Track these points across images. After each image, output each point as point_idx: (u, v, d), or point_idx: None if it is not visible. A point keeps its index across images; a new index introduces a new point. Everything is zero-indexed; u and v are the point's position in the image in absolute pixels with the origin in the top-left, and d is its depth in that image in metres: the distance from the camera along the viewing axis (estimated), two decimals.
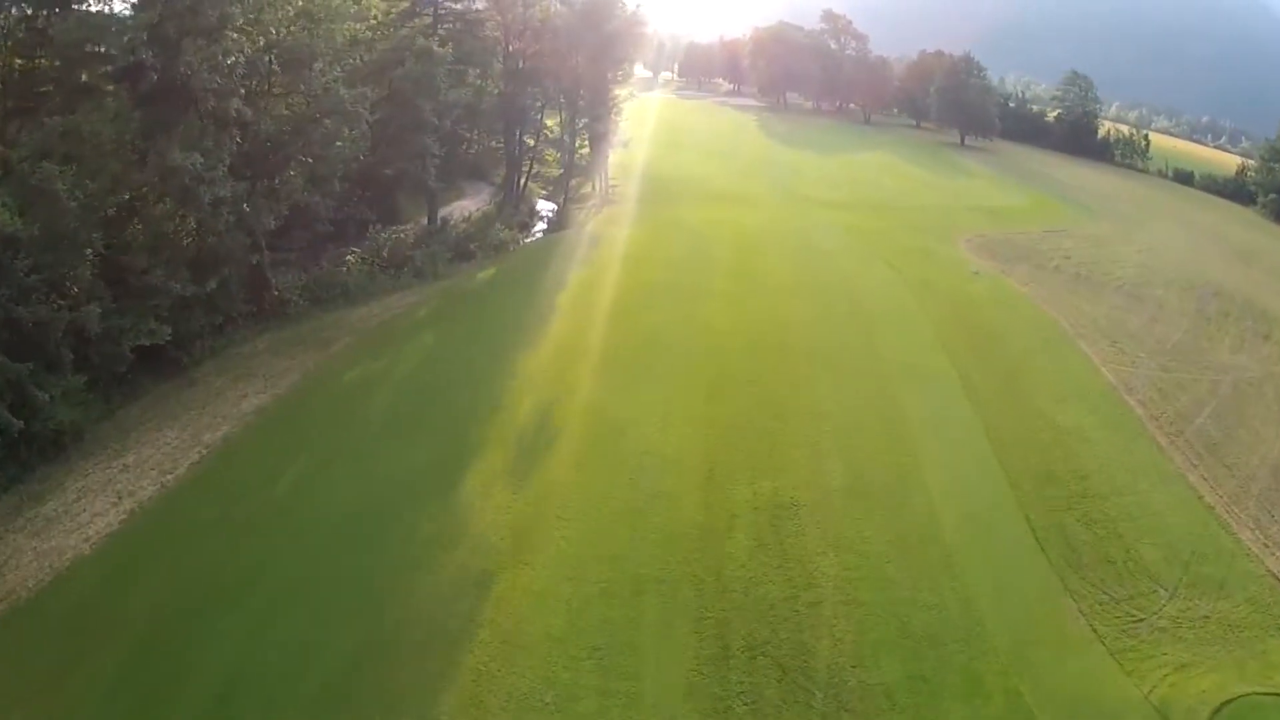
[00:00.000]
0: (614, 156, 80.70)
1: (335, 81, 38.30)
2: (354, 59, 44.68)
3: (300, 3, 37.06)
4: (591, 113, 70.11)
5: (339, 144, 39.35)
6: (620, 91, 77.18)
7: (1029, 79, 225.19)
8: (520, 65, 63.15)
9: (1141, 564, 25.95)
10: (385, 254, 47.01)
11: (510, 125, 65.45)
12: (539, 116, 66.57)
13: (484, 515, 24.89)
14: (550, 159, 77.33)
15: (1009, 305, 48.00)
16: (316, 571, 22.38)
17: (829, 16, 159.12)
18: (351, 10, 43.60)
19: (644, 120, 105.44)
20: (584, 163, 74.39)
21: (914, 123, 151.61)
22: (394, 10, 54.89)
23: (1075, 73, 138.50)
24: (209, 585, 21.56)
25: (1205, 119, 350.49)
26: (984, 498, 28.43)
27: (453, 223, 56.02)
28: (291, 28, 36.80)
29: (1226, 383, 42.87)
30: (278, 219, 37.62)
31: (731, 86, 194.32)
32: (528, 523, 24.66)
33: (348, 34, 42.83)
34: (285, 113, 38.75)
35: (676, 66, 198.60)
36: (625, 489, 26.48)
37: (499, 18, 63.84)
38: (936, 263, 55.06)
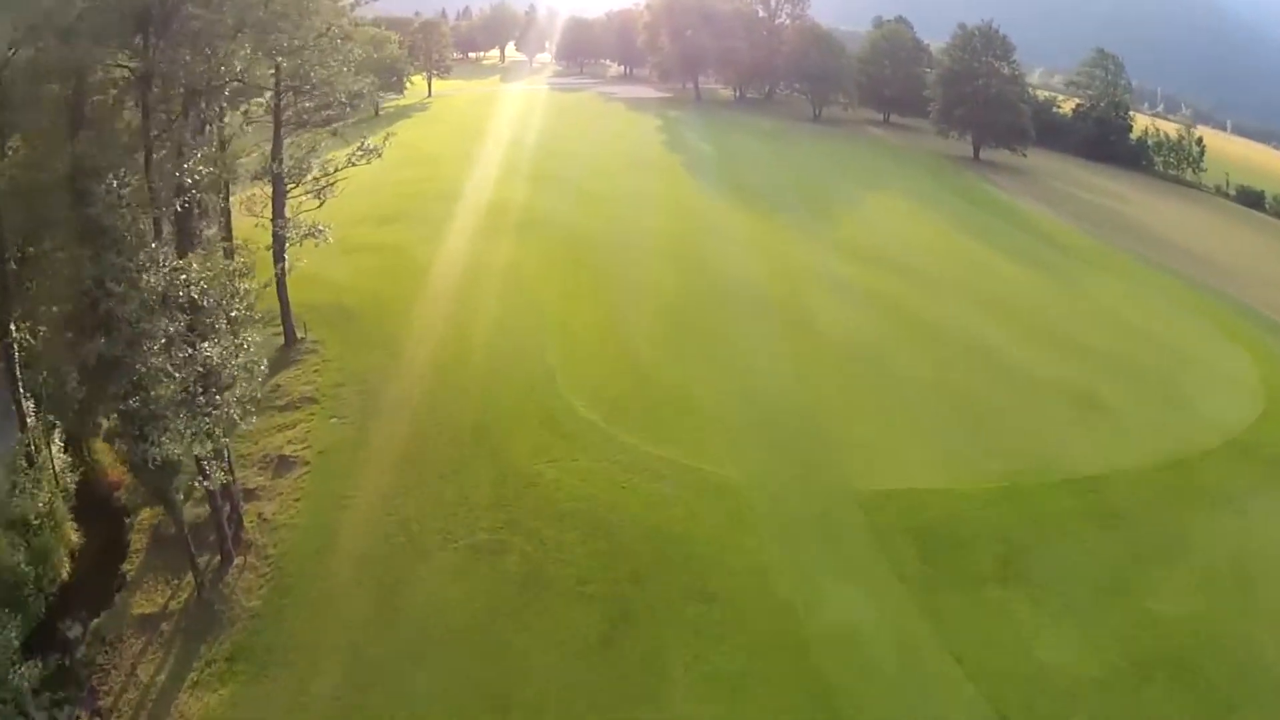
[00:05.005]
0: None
1: None
2: None
3: None
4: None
5: None
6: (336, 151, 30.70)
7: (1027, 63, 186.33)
8: None
9: None
10: None
11: None
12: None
13: None
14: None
15: None
16: None
17: None
18: None
19: (488, 151, 61.75)
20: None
21: (880, 116, 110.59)
22: None
23: (1102, 51, 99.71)
24: None
25: (1158, 89, 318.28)
26: None
27: None
28: None
29: None
30: None
31: (622, 69, 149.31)
32: None
33: None
34: None
35: (553, 47, 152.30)
36: None
37: None
38: None
